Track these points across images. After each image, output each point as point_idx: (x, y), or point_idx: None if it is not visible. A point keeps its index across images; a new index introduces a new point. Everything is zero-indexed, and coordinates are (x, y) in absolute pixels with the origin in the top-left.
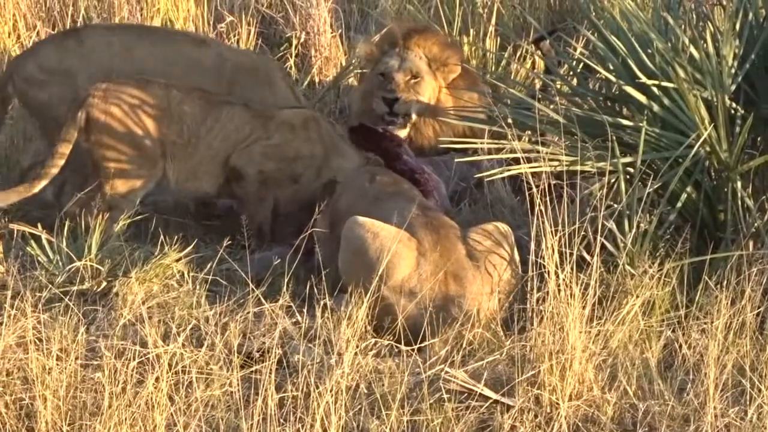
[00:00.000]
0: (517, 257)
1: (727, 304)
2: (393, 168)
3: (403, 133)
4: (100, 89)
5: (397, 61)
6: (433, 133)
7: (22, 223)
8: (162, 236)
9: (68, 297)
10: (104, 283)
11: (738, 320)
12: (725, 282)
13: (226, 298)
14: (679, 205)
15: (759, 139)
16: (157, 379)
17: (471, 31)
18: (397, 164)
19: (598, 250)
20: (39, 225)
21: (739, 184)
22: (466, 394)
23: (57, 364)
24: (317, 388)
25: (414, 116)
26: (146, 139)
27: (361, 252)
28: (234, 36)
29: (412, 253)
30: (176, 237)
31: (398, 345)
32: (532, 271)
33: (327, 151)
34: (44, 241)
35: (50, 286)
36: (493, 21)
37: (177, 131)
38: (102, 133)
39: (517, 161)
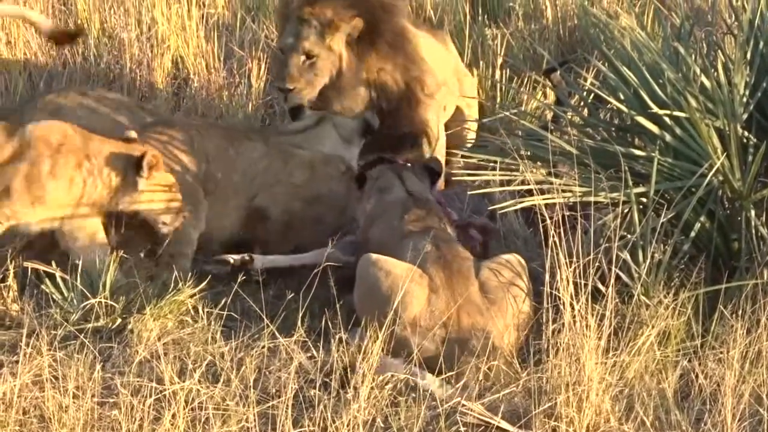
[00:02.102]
0: (530, 288)
1: (743, 333)
2: None
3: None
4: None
5: (292, 39)
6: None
7: (36, 261)
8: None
9: (83, 334)
10: (119, 320)
11: (754, 349)
12: (740, 311)
13: (241, 334)
14: (692, 234)
15: None
16: (173, 415)
17: (481, 63)
18: None
19: (612, 280)
20: (53, 263)
21: (752, 212)
22: (483, 427)
23: (73, 402)
24: (334, 422)
25: (306, 104)
26: (188, 179)
27: (373, 290)
28: (244, 71)
29: (423, 290)
30: (190, 273)
31: (414, 378)
32: (547, 303)
33: (350, 189)
34: (58, 279)
35: (65, 323)
36: (502, 52)
37: (204, 168)
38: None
39: (529, 193)
